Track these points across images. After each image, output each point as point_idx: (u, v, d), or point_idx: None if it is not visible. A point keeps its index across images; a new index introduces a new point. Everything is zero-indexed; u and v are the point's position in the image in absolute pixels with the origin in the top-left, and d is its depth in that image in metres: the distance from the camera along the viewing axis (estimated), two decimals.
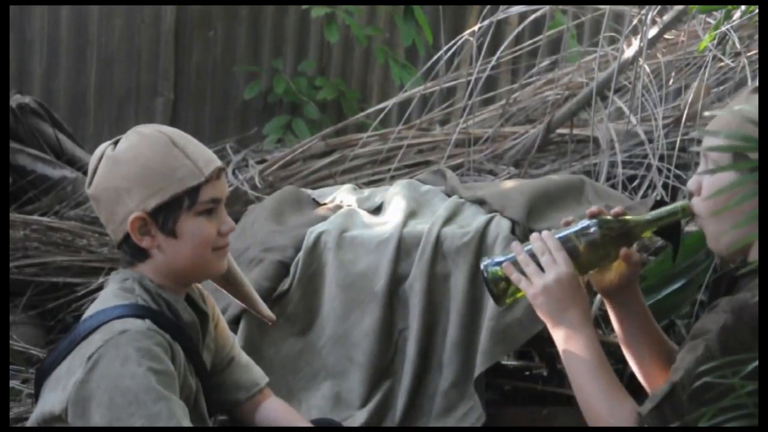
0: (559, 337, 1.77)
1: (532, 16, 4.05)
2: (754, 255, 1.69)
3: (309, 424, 2.08)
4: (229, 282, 2.04)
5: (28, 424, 1.80)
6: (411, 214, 2.76)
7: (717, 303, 1.65)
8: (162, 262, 1.83)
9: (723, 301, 1.63)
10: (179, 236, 1.81)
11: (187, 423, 1.72)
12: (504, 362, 2.91)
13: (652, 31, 3.79)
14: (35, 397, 1.83)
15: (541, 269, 1.78)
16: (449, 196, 2.87)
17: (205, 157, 1.83)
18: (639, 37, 3.68)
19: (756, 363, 1.43)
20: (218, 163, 1.85)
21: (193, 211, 1.81)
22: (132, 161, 1.79)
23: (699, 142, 3.22)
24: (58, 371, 1.77)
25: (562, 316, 1.77)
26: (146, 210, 1.79)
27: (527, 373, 2.96)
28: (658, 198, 3.31)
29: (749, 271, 1.66)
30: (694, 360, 1.59)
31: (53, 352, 1.81)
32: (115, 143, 1.83)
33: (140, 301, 1.81)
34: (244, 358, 2.11)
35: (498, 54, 3.98)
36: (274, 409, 2.07)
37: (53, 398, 1.74)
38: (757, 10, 2.99)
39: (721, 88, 3.93)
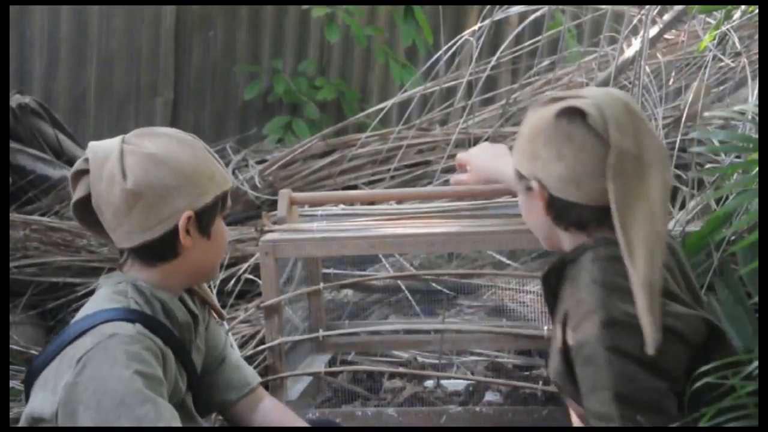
0: None
1: (532, 16, 4.04)
2: (566, 246, 1.81)
3: (305, 424, 2.08)
4: None
5: (20, 424, 1.80)
6: None
7: (571, 316, 1.70)
8: (188, 262, 1.85)
9: (578, 313, 1.68)
10: (212, 237, 1.87)
11: (176, 425, 1.72)
12: (504, 362, 2.91)
13: (652, 31, 3.79)
14: (25, 396, 1.83)
15: None
16: None
17: (223, 165, 1.92)
18: (639, 37, 3.68)
19: (756, 363, 1.43)
20: None
21: (222, 215, 1.89)
22: (178, 160, 1.81)
23: (699, 142, 3.21)
24: (46, 373, 1.77)
25: None
26: (195, 209, 1.82)
27: (527, 373, 2.96)
28: None
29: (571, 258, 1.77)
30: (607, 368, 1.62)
31: (42, 353, 1.81)
32: (121, 140, 1.84)
33: (132, 305, 1.81)
34: (235, 358, 2.11)
35: (498, 54, 3.97)
36: (269, 410, 2.07)
37: (42, 400, 1.74)
38: (757, 10, 3.00)
39: (721, 88, 3.92)
